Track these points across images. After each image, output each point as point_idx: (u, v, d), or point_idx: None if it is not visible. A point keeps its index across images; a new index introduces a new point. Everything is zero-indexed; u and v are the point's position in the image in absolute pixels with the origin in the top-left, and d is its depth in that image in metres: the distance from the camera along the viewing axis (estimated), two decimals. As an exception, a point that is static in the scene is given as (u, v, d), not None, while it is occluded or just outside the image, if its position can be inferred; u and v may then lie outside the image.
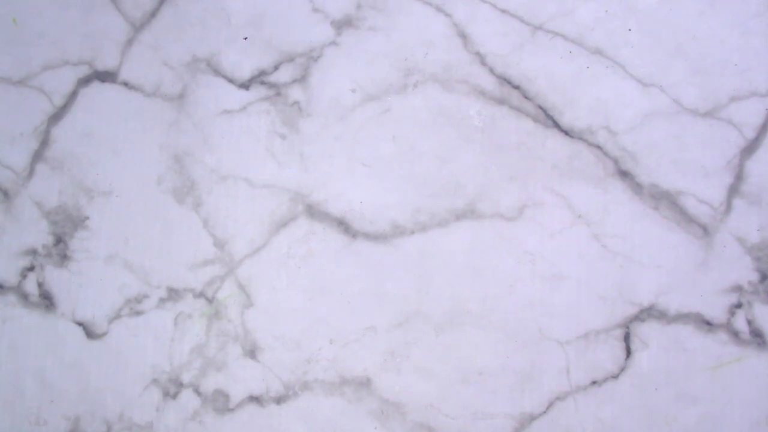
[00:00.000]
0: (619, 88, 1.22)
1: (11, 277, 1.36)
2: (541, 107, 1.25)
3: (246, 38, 1.30)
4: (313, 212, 1.27)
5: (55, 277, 1.34)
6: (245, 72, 1.31)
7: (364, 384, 1.22)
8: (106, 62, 1.34)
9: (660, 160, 1.20)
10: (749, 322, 1.18)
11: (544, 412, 1.21)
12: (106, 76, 1.34)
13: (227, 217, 1.29)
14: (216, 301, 1.28)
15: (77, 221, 1.34)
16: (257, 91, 1.32)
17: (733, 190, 1.19)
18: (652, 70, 1.23)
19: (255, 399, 1.23)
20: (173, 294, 1.30)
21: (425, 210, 1.25)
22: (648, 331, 1.19)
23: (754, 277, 1.18)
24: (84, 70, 1.34)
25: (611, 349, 1.20)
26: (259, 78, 1.31)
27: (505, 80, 1.27)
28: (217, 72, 1.31)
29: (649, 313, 1.20)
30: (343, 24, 1.29)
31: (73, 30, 1.33)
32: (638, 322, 1.20)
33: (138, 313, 1.31)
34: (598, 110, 1.23)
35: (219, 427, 1.22)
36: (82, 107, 1.37)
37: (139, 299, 1.31)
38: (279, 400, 1.23)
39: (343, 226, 1.26)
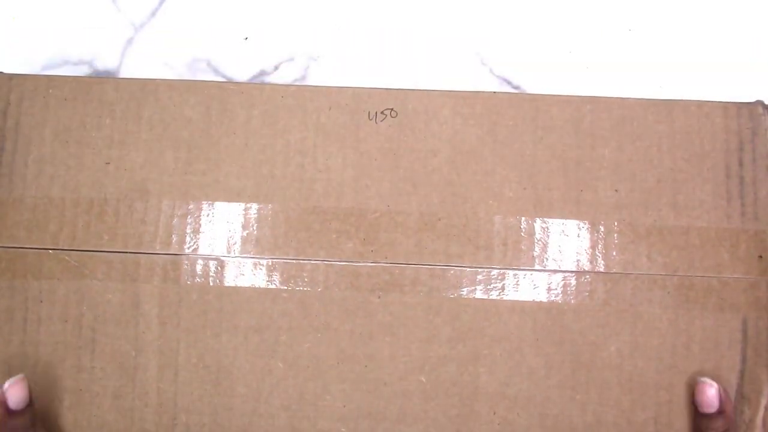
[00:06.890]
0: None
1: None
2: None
3: (246, 38, 1.30)
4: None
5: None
6: (245, 72, 1.31)
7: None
8: (106, 62, 1.34)
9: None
10: None
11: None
12: (106, 76, 1.34)
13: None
14: None
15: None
16: (257, 91, 1.32)
17: None
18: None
19: (254, 399, 1.23)
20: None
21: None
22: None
23: None
24: (84, 70, 1.33)
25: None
26: (259, 78, 1.31)
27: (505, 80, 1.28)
28: (217, 72, 1.31)
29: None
30: (343, 23, 1.29)
31: (73, 29, 1.33)
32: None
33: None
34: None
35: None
36: (81, 107, 1.36)
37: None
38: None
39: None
